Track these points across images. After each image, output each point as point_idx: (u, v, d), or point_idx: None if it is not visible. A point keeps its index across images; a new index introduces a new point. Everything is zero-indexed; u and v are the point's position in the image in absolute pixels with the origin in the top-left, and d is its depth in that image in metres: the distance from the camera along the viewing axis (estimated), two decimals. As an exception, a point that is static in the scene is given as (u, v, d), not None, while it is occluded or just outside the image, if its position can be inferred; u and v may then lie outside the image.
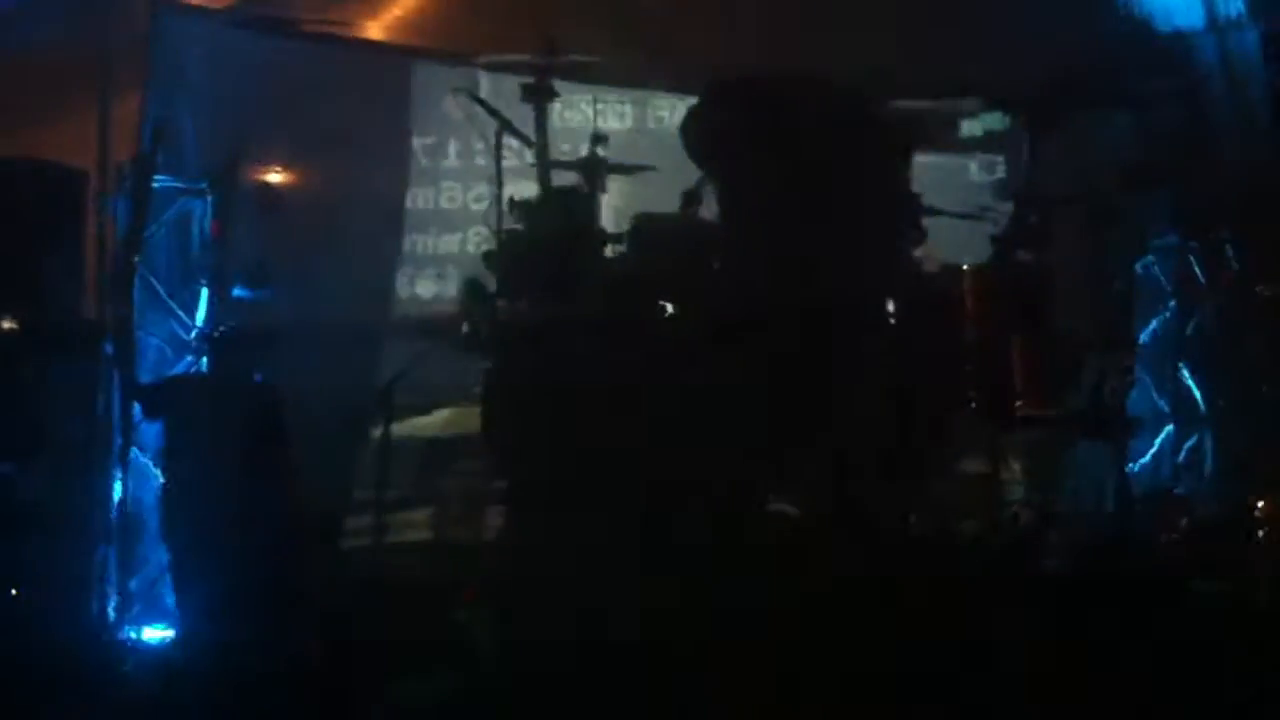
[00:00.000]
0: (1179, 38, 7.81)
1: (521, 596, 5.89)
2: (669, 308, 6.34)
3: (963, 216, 6.93)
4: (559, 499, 5.90)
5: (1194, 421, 7.94)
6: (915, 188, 6.49)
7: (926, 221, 6.51)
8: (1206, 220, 7.87)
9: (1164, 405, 8.07)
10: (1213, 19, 7.67)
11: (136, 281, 7.22)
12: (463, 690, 6.05)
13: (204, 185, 7.60)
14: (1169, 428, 8.03)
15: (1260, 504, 6.56)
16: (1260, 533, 6.44)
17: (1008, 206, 6.92)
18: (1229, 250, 7.81)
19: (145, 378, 7.35)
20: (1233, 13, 7.58)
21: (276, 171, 8.22)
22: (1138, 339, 7.56)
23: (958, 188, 8.30)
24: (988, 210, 7.14)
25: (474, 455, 7.90)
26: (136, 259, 7.21)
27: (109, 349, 7.12)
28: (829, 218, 6.08)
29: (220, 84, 7.76)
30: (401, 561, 7.79)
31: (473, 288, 6.97)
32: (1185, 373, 7.95)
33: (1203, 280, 7.95)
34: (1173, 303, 8.02)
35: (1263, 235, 7.52)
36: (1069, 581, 5.62)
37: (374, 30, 8.53)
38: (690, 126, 6.52)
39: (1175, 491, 7.70)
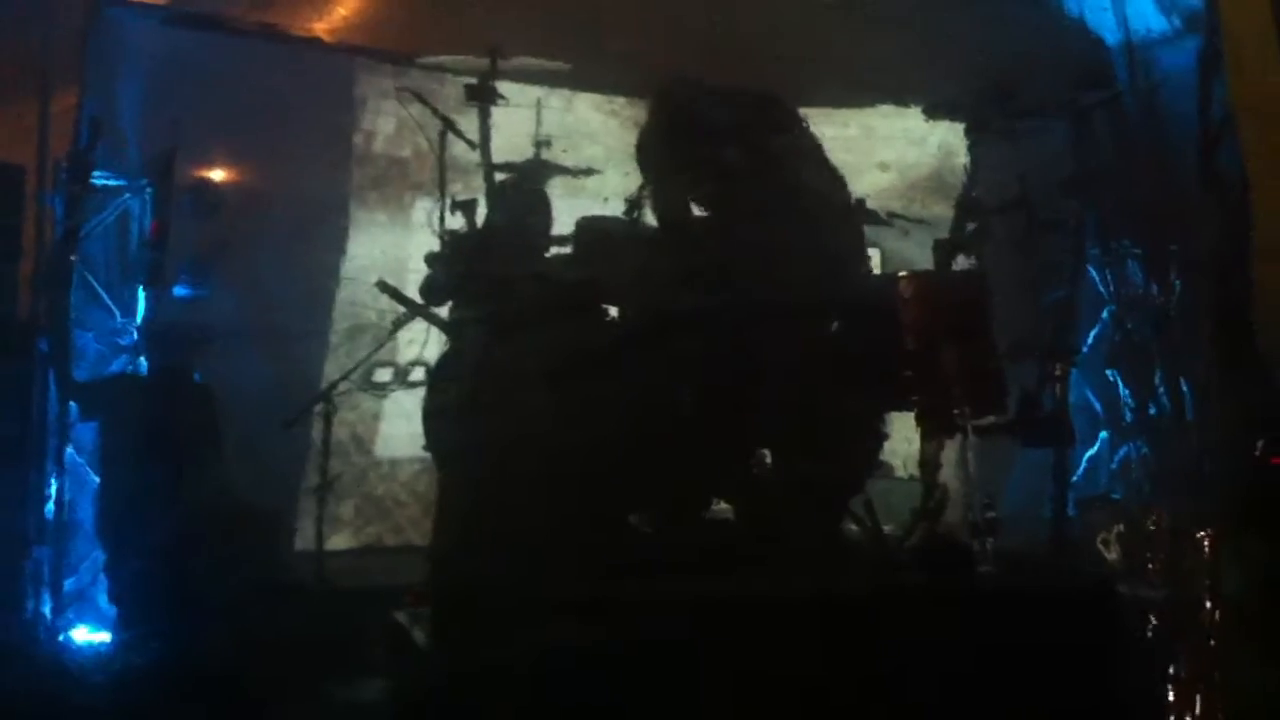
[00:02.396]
0: (1103, 53, 7.91)
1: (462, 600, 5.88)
2: (610, 309, 6.35)
3: (900, 219, 7.00)
4: (499, 501, 5.89)
5: (1124, 429, 8.04)
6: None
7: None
8: (1116, 231, 7.98)
9: (1100, 412, 8.18)
10: (1129, 36, 7.76)
11: (74, 280, 7.18)
12: (398, 692, 6.05)
13: (143, 183, 7.55)
14: (1104, 434, 8.14)
15: (1153, 515, 6.65)
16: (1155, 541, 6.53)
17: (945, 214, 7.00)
18: (1134, 262, 7.91)
19: (82, 377, 7.29)
20: (1151, 29, 7.68)
21: (217, 170, 8.17)
22: (1077, 348, 7.64)
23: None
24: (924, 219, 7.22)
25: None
26: (74, 257, 7.16)
27: (45, 347, 7.06)
28: (768, 227, 6.12)
29: (160, 81, 7.69)
30: (342, 563, 7.79)
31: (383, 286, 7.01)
32: (1119, 381, 8.05)
33: (1112, 289, 8.06)
34: (1106, 312, 8.12)
35: (1166, 244, 7.61)
36: (1003, 587, 5.67)
37: (316, 29, 8.48)
38: (641, 145, 6.58)
39: (1112, 496, 7.80)
